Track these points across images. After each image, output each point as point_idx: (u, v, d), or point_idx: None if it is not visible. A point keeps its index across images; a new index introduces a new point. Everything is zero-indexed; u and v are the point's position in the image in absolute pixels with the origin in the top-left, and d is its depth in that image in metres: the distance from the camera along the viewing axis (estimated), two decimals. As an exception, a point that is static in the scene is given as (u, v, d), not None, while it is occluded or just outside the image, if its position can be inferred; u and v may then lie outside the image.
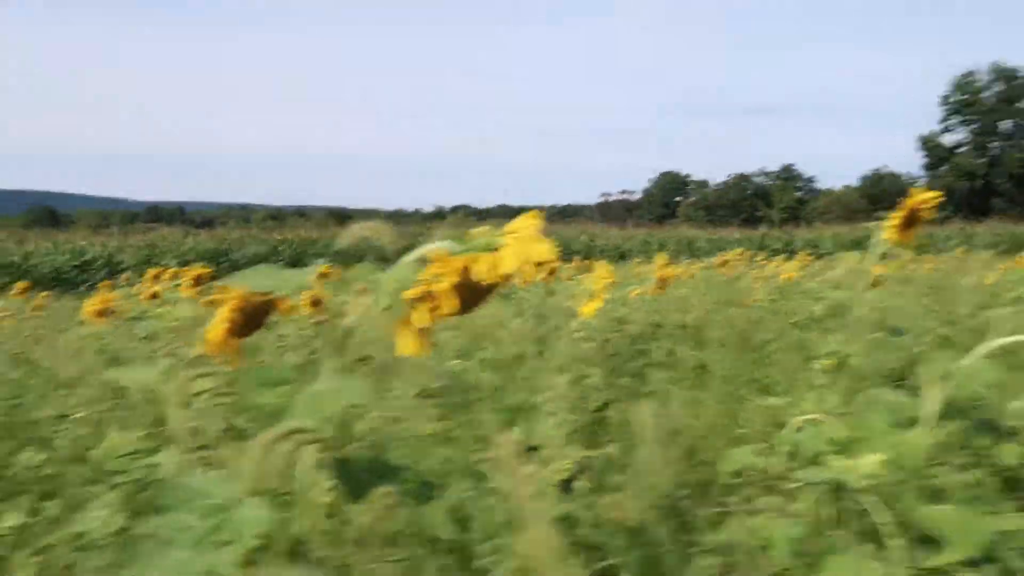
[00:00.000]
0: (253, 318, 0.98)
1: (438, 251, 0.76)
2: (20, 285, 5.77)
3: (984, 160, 55.67)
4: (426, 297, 0.75)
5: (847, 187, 64.65)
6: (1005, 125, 55.28)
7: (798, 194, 66.78)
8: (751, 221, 50.76)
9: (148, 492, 1.21)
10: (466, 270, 0.74)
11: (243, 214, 69.62)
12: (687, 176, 75.59)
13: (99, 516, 1.27)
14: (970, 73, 56.50)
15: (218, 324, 0.94)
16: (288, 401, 0.75)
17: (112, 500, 1.27)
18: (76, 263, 17.27)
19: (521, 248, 0.75)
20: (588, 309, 2.02)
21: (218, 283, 0.95)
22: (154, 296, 4.24)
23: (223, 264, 17.34)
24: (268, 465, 0.68)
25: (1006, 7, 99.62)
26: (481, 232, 0.79)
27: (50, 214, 65.85)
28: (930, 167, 58.80)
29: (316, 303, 2.91)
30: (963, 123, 56.87)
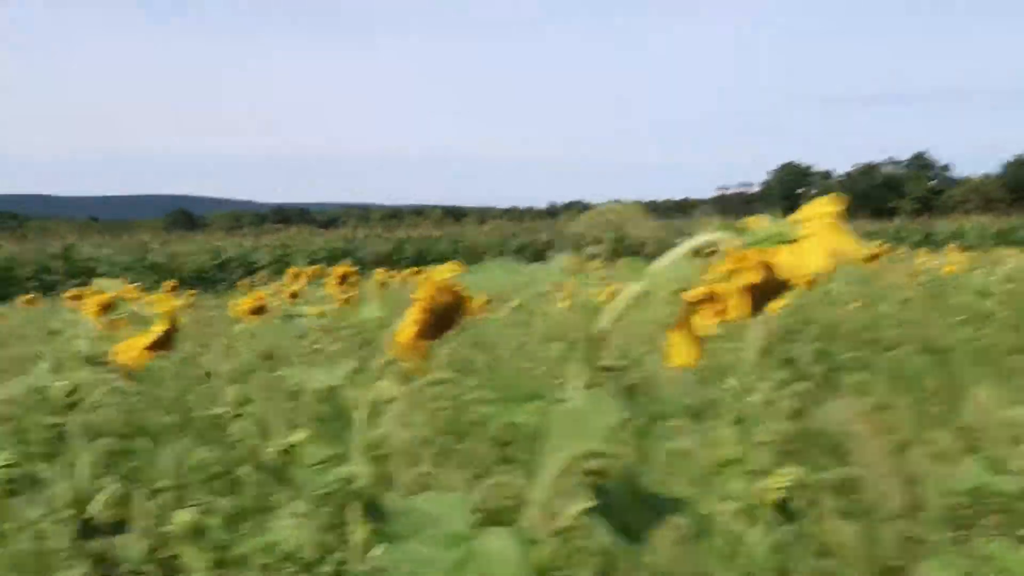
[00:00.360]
0: (444, 318, 0.90)
1: (731, 244, 0.63)
2: (168, 284, 6.04)
3: None
4: (711, 298, 0.63)
5: (987, 175, 60.57)
6: None
7: (932, 183, 63.07)
8: (881, 213, 48.18)
9: (340, 503, 1.14)
10: (768, 267, 0.62)
11: (363, 213, 71.73)
12: (809, 167, 72.73)
13: (289, 525, 1.22)
14: None
15: (408, 325, 0.86)
16: (543, 420, 0.64)
17: (302, 509, 1.21)
18: (216, 263, 18.16)
19: (827, 239, 0.62)
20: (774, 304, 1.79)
21: (423, 279, 0.87)
22: (294, 295, 4.32)
23: (349, 262, 17.80)
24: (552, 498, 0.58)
25: None
26: (766, 222, 0.66)
27: (186, 216, 69.79)
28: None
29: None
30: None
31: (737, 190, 76.67)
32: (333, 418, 1.46)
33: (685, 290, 0.62)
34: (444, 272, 0.89)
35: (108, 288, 1.38)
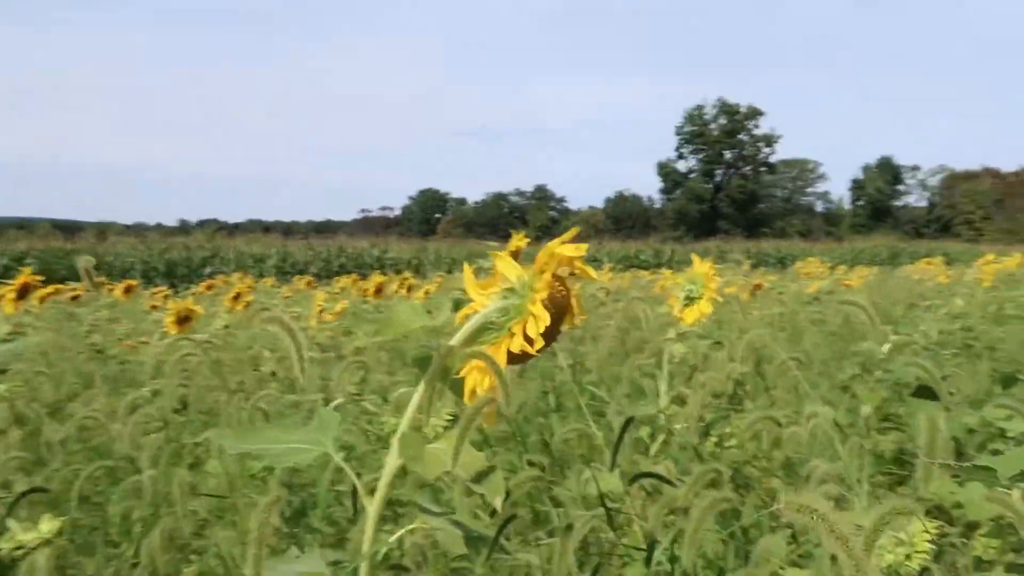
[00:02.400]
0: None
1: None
2: None
3: (711, 185, 62.12)
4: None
5: (593, 208, 69.26)
6: (728, 155, 62.07)
7: (552, 213, 70.43)
8: (508, 238, 52.45)
9: None
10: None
11: (-52, 225, 60.75)
12: (446, 193, 77.14)
13: None
14: (699, 107, 62.96)
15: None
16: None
17: None
18: None
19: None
20: (690, 316, 1.74)
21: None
22: None
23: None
24: None
25: (736, 49, 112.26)
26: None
27: None
28: (666, 191, 64.65)
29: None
30: (694, 152, 63.18)
31: (379, 213, 78.52)
32: None
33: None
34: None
35: None
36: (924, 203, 62.97)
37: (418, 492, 1.38)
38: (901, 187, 64.03)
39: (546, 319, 0.67)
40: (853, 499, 1.21)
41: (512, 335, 0.70)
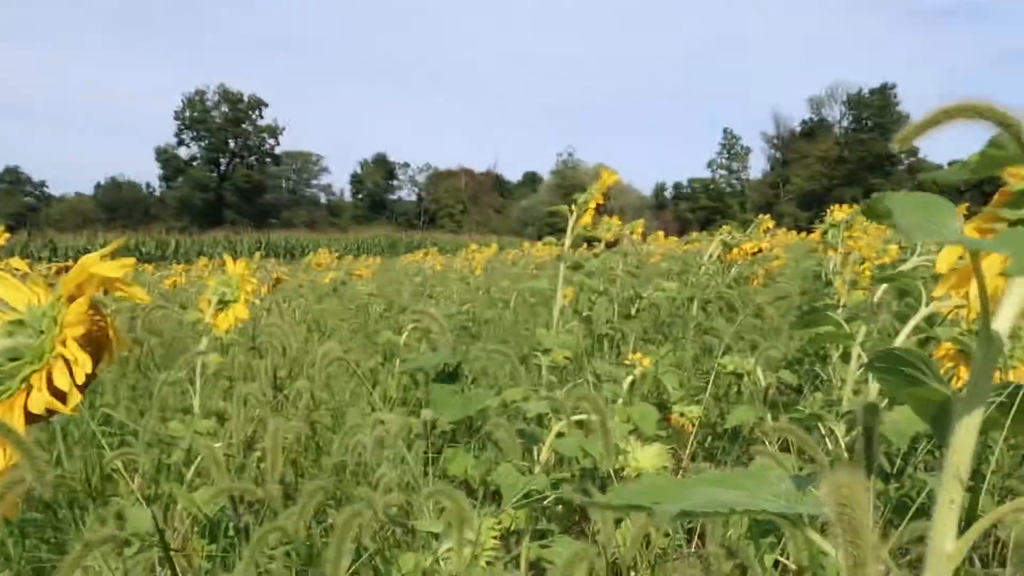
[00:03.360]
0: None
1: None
2: None
3: (216, 174, 59.95)
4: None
5: (81, 195, 62.01)
6: (232, 144, 60.47)
7: (28, 200, 61.16)
8: None
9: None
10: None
11: None
12: None
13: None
14: (201, 92, 60.11)
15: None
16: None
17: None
18: None
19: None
20: (224, 322, 1.42)
21: None
22: None
23: None
24: None
25: (234, 37, 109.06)
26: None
27: None
28: (167, 178, 60.63)
29: None
30: (196, 139, 60.20)
31: None
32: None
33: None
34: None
35: None
36: (414, 197, 69.27)
37: None
38: (395, 182, 69.52)
39: (87, 365, 0.49)
40: (420, 504, 1.20)
41: (30, 388, 0.50)
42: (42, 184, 63.59)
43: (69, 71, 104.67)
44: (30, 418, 0.50)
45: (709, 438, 2.30)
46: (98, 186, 61.99)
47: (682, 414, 2.27)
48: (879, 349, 0.44)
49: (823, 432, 1.42)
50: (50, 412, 0.50)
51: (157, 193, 61.92)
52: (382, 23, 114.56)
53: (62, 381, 0.49)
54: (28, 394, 0.50)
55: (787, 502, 0.36)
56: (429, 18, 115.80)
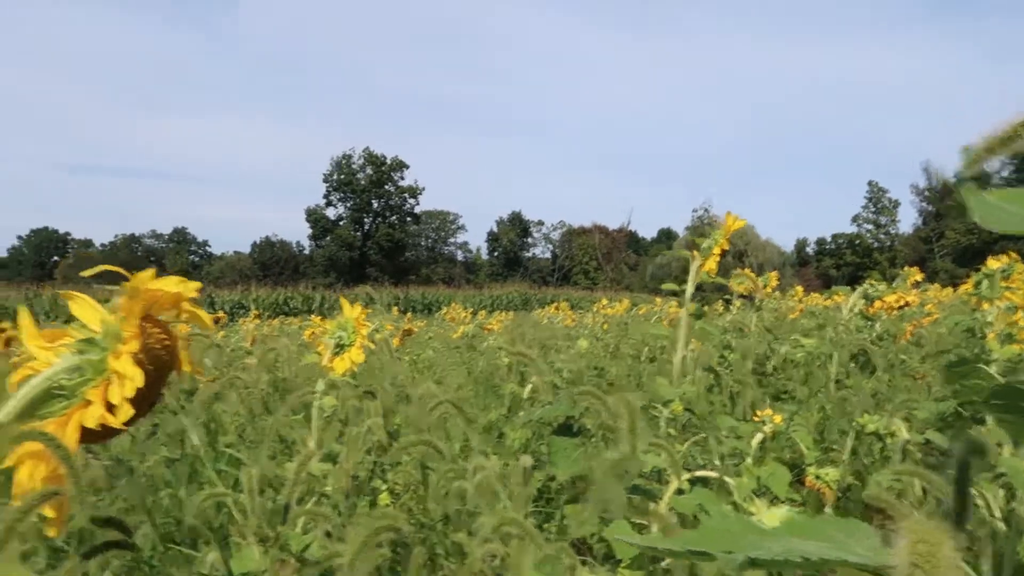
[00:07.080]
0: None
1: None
2: None
3: (360, 233, 62.92)
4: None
5: (239, 253, 66.40)
6: (376, 204, 63.45)
7: (193, 258, 66.17)
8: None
9: None
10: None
11: None
12: (67, 234, 68.77)
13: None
14: (348, 156, 63.65)
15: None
16: None
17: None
18: None
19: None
20: (341, 365, 1.52)
21: None
22: None
23: None
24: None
25: (377, 104, 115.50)
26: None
27: None
28: (316, 237, 64.11)
29: None
30: (342, 200, 63.59)
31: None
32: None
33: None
34: None
35: None
36: (548, 254, 69.99)
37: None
38: (529, 239, 70.54)
39: (137, 379, 0.48)
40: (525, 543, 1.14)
41: (88, 403, 0.49)
42: (205, 243, 68.76)
43: (232, 138, 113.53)
44: (86, 435, 0.50)
45: (849, 503, 2.12)
46: (254, 245, 66.26)
47: (818, 476, 2.11)
48: (996, 385, 0.36)
49: (977, 500, 1.26)
50: (106, 429, 0.49)
51: (307, 251, 65.50)
52: (518, 82, 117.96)
53: (115, 396, 0.48)
54: (85, 409, 0.49)
55: (876, 555, 0.29)
56: (564, 77, 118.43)
